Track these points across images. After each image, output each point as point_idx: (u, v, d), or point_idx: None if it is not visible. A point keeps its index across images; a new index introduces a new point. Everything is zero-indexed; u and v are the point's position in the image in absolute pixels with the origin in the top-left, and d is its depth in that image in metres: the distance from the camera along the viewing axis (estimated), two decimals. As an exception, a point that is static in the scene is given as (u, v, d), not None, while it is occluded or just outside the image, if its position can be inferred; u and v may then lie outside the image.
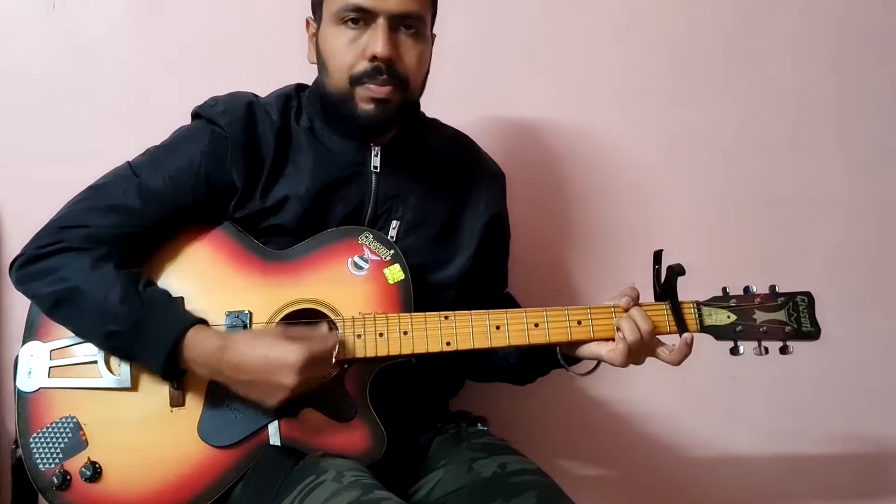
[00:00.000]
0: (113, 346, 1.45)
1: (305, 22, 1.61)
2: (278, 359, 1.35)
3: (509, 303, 1.78)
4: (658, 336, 1.49)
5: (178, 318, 1.42)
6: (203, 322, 1.43)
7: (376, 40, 1.45)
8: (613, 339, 1.48)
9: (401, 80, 1.49)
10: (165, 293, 1.46)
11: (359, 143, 1.58)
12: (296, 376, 1.34)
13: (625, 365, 1.48)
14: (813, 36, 2.25)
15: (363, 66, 1.47)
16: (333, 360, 1.41)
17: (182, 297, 1.49)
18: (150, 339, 1.40)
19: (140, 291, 1.43)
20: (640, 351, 1.47)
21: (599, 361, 1.54)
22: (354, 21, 1.47)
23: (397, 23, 1.47)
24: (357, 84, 1.48)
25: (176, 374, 1.44)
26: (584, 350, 1.52)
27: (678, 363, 1.48)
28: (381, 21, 1.46)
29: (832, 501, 2.30)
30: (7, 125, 1.97)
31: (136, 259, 1.50)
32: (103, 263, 1.44)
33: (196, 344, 1.40)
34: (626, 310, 1.49)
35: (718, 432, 2.24)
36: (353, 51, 1.48)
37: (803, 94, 2.25)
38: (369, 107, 1.49)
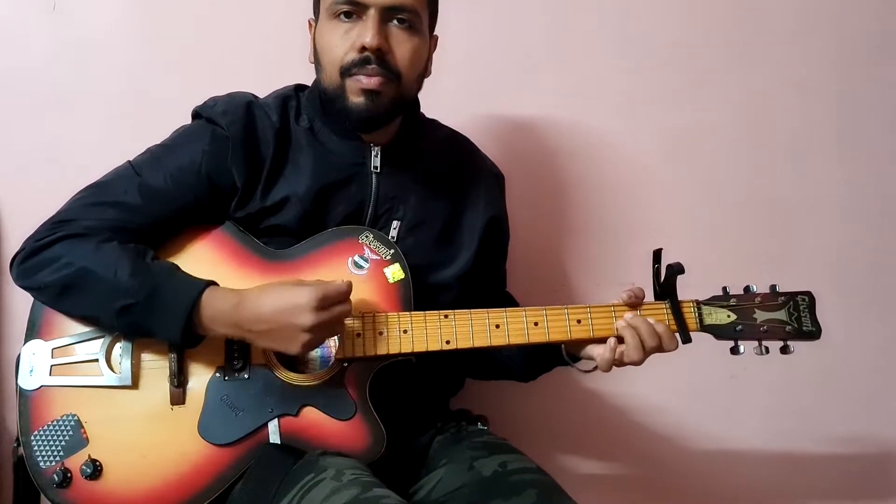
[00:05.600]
0: (128, 321, 1.43)
1: (308, 23, 1.61)
2: (292, 301, 1.36)
3: (509, 302, 1.79)
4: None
5: (191, 282, 1.42)
6: (214, 283, 1.44)
7: (366, 31, 1.46)
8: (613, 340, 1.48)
9: (392, 73, 1.49)
10: (173, 264, 1.46)
11: (356, 141, 1.58)
12: (312, 315, 1.35)
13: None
14: (813, 36, 2.25)
15: (352, 56, 1.48)
16: (350, 301, 1.41)
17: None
18: (165, 306, 1.40)
19: (149, 263, 1.44)
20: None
21: None
22: (347, 14, 1.48)
23: (389, 15, 1.48)
24: (347, 76, 1.49)
25: (194, 339, 1.44)
26: (585, 351, 1.52)
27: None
28: (372, 13, 1.47)
29: (831, 501, 2.30)
30: (7, 125, 1.97)
31: None
32: (106, 243, 1.44)
33: (212, 303, 1.40)
34: (631, 306, 1.49)
35: (718, 431, 2.25)
36: (344, 43, 1.49)
37: (803, 94, 2.26)
38: (359, 99, 1.49)
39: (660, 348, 1.47)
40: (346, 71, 1.49)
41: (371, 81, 1.48)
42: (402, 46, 1.50)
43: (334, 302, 1.38)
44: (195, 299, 1.40)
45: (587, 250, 2.19)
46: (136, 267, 1.42)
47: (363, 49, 1.46)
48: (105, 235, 1.46)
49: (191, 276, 1.44)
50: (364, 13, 1.48)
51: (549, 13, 2.16)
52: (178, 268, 1.46)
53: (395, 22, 1.49)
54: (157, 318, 1.41)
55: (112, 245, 1.44)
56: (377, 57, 1.47)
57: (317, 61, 1.56)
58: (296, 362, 1.52)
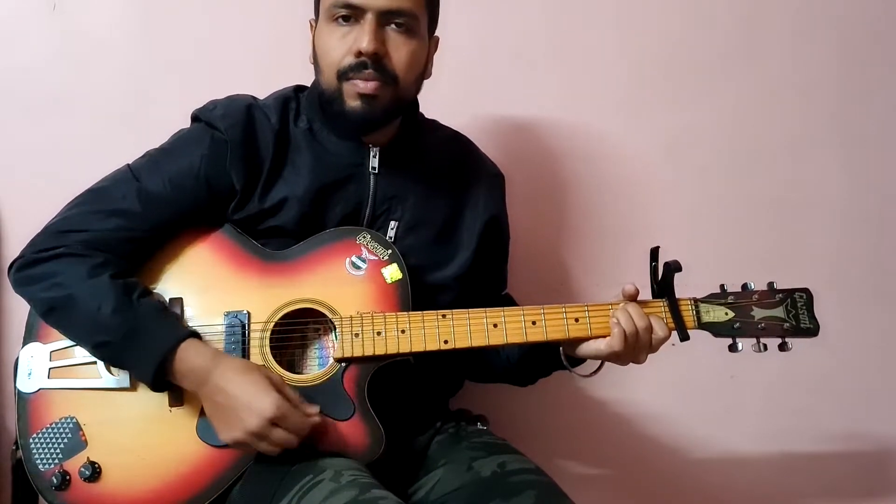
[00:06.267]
0: (103, 355, 1.45)
1: (309, 24, 1.61)
2: (254, 399, 1.34)
3: (509, 304, 1.76)
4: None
5: (170, 331, 1.42)
6: (195, 335, 1.43)
7: (362, 35, 1.46)
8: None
9: (389, 76, 1.49)
10: (160, 305, 1.46)
11: (355, 142, 1.58)
12: (258, 423, 1.33)
13: (624, 357, 1.48)
14: (813, 36, 2.25)
15: (349, 60, 1.48)
16: (298, 441, 1.37)
17: (181, 299, 1.49)
18: (140, 350, 1.40)
19: (134, 303, 1.42)
20: (636, 343, 1.47)
21: (602, 363, 1.55)
22: (345, 18, 1.48)
23: (387, 19, 1.48)
24: (344, 79, 1.49)
25: (165, 385, 1.43)
26: (585, 348, 1.51)
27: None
28: (369, 17, 1.46)
29: (830, 499, 2.30)
30: (7, 125, 1.97)
31: (136, 263, 1.50)
32: (100, 271, 1.44)
33: (186, 358, 1.40)
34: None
35: (717, 431, 2.25)
36: (342, 47, 1.49)
37: (803, 94, 2.25)
38: (356, 103, 1.49)
39: (650, 329, 1.47)
40: (343, 75, 1.49)
41: (368, 86, 1.48)
42: (400, 50, 1.50)
43: (289, 426, 1.35)
44: (169, 351, 1.39)
45: (586, 251, 2.18)
46: (119, 304, 1.41)
47: (360, 54, 1.46)
48: (101, 258, 1.45)
49: (174, 323, 1.45)
50: (361, 17, 1.47)
51: (549, 13, 2.15)
52: (164, 309, 1.46)
53: (392, 26, 1.49)
54: (131, 360, 1.42)
55: (105, 276, 1.43)
56: (374, 61, 1.47)
57: (316, 63, 1.56)
58: (294, 364, 1.52)
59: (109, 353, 1.43)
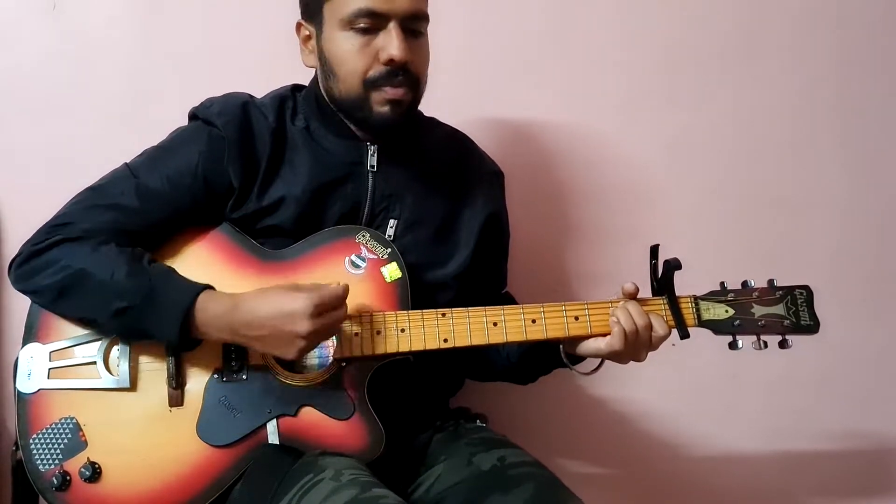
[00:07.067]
0: (124, 323, 1.43)
1: (296, 26, 1.61)
2: (288, 308, 1.35)
3: (508, 302, 1.76)
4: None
5: (187, 285, 1.42)
6: (211, 287, 1.43)
7: (391, 44, 1.46)
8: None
9: (414, 81, 1.51)
10: (169, 267, 1.47)
11: (352, 140, 1.59)
12: (308, 322, 1.34)
13: (624, 355, 1.48)
14: (813, 36, 2.25)
15: (379, 69, 1.48)
16: (345, 312, 1.41)
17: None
18: (161, 309, 1.40)
19: (146, 266, 1.44)
20: (636, 342, 1.46)
21: (602, 361, 1.54)
22: (365, 25, 1.48)
23: (409, 25, 1.49)
24: (372, 88, 1.49)
25: (191, 342, 1.44)
26: (585, 347, 1.51)
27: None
28: (393, 25, 1.47)
29: (831, 499, 2.30)
30: (7, 125, 1.97)
31: None
32: (104, 245, 1.45)
33: (207, 307, 1.40)
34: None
35: (718, 430, 2.24)
36: (366, 55, 1.49)
37: (803, 94, 2.25)
38: (384, 109, 1.50)
39: (650, 327, 1.47)
40: (373, 83, 1.49)
41: (397, 92, 1.49)
42: (418, 53, 1.52)
43: (330, 307, 1.38)
44: (191, 301, 1.39)
45: (586, 251, 2.18)
46: (132, 269, 1.42)
47: (390, 62, 1.47)
48: (102, 238, 1.46)
49: (187, 279, 1.44)
50: (384, 25, 1.48)
51: (549, 13, 2.15)
52: (174, 270, 1.46)
53: (411, 31, 1.50)
54: (154, 321, 1.41)
55: (109, 247, 1.45)
56: (403, 69, 1.48)
57: (326, 69, 1.55)
58: (294, 363, 1.51)
59: (130, 319, 1.42)
